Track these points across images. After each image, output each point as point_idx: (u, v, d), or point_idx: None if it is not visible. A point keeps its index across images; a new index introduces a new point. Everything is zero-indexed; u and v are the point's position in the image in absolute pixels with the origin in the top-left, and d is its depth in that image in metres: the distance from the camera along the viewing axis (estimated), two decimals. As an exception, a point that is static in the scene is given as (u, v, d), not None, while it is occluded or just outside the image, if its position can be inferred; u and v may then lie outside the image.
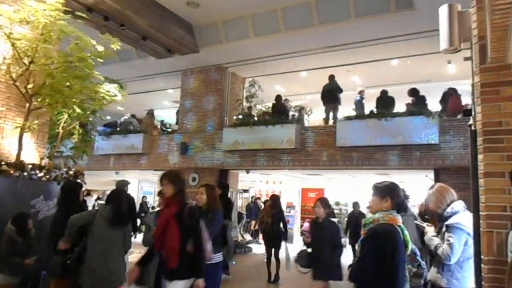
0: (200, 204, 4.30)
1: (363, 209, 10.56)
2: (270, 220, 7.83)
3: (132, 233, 4.36)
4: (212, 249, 4.05)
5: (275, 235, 7.81)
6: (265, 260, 8.04)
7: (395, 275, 2.56)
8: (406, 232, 2.69)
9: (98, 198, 18.80)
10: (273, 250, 7.84)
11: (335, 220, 12.07)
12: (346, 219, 12.19)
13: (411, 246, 2.75)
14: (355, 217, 10.05)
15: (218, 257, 4.29)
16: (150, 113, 14.22)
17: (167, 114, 16.36)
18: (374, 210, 2.75)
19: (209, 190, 4.37)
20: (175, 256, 3.19)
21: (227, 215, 7.86)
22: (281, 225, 7.96)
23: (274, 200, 8.34)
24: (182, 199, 3.38)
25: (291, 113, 12.07)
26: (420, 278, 2.83)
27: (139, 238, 10.15)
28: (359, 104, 10.87)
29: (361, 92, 11.17)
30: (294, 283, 8.07)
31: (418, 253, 2.87)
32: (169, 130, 14.79)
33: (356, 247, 2.76)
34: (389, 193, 2.73)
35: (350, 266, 2.76)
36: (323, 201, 5.22)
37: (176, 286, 3.24)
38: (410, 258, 2.78)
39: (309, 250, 5.21)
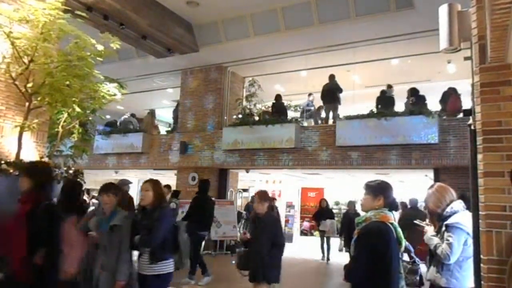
0: (146, 202, 3.71)
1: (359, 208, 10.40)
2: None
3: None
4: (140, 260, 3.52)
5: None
6: None
7: (389, 272, 2.58)
8: (399, 229, 2.72)
9: (93, 197, 18.76)
10: None
11: (334, 221, 11.64)
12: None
13: (404, 243, 2.76)
14: (350, 217, 9.63)
15: (167, 266, 3.59)
16: (151, 113, 14.22)
17: (167, 113, 16.36)
18: (366, 209, 2.76)
19: (155, 186, 3.74)
20: (19, 266, 2.56)
21: (202, 215, 7.68)
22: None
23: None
24: (39, 196, 2.82)
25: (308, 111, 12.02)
26: (415, 275, 2.85)
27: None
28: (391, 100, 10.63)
29: (390, 88, 11.02)
30: (295, 282, 8.08)
31: (412, 250, 2.89)
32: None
33: (351, 247, 2.77)
34: (382, 192, 2.75)
35: (345, 266, 2.77)
36: (261, 195, 4.63)
37: None
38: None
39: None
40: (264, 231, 4.43)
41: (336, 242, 12.14)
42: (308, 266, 9.91)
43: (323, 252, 11.32)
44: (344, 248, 10.59)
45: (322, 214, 11.72)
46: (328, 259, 11.11)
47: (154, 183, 3.79)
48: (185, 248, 3.79)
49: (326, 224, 11.36)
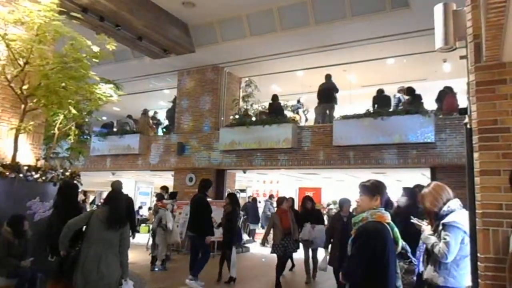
0: None
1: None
2: (223, 220, 7.84)
3: (130, 234, 4.33)
4: None
5: (225, 235, 7.66)
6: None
7: (386, 272, 2.58)
8: (395, 229, 2.73)
9: (93, 202, 18.75)
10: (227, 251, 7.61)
11: (318, 226, 7.83)
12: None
13: (401, 243, 2.76)
14: (343, 222, 6.29)
15: None
16: (145, 113, 14.16)
17: (164, 114, 16.33)
18: (363, 209, 2.77)
19: None
20: None
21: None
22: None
23: (230, 199, 8.09)
24: None
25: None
26: (412, 275, 2.85)
27: (137, 238, 10.17)
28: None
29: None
30: (294, 282, 8.09)
31: (409, 250, 2.89)
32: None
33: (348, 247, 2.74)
34: (378, 192, 2.76)
35: (342, 267, 2.77)
36: None
37: None
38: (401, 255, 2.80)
39: None
40: None
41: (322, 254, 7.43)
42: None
43: (307, 271, 8.02)
44: (327, 267, 6.72)
45: (305, 218, 8.03)
46: (313, 276, 8.12)
47: None
48: None
49: (305, 231, 7.83)
